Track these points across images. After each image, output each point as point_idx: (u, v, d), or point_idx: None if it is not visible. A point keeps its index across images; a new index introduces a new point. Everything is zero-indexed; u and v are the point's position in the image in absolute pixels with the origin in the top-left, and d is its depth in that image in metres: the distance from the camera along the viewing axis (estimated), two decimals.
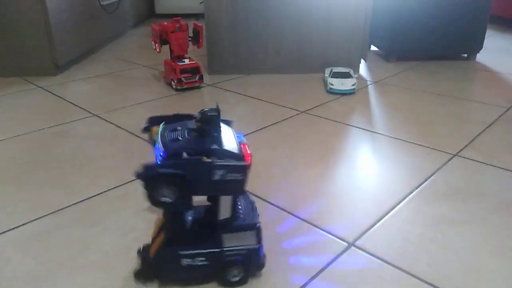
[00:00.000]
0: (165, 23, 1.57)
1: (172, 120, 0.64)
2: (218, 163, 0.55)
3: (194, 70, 1.60)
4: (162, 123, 0.63)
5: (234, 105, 1.46)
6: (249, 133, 1.22)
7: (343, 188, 0.92)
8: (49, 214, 0.84)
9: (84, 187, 0.93)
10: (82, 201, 0.88)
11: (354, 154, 1.08)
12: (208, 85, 1.69)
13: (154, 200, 0.56)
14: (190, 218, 0.65)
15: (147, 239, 0.75)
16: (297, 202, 0.87)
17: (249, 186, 0.92)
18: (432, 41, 2.00)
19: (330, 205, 0.86)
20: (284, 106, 1.44)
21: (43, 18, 1.73)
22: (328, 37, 1.78)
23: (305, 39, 1.78)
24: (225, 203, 0.61)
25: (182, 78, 1.58)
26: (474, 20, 1.98)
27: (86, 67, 2.00)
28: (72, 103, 1.49)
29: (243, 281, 0.65)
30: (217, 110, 0.59)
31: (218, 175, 0.56)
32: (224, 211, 0.61)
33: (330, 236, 0.76)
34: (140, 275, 0.65)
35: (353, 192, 0.91)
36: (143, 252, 0.64)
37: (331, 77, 1.59)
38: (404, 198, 0.88)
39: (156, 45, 1.61)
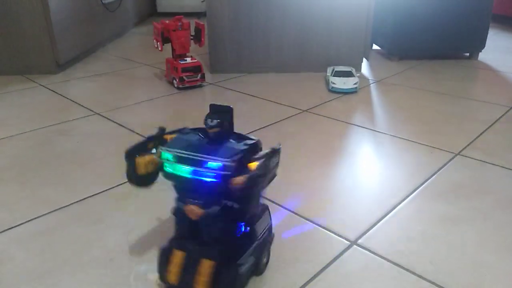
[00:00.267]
0: (167, 22, 1.58)
1: (146, 144, 0.62)
2: (275, 150, 0.59)
3: (196, 69, 1.60)
4: (160, 148, 0.58)
5: (236, 103, 1.46)
6: (251, 132, 1.22)
7: (345, 186, 0.92)
8: (52, 211, 0.84)
9: (86, 185, 0.93)
10: (84, 199, 0.88)
11: (356, 153, 1.08)
12: (210, 83, 1.69)
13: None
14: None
15: (149, 237, 0.75)
16: (299, 201, 0.87)
17: None
18: (434, 40, 2.00)
19: (332, 203, 0.86)
20: (286, 105, 1.44)
21: (45, 16, 1.73)
22: (330, 36, 1.78)
23: (307, 38, 1.78)
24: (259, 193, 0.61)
25: (184, 77, 1.58)
26: (477, 19, 1.98)
27: (88, 66, 2.00)
28: (73, 101, 1.49)
29: (268, 260, 0.67)
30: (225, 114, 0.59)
31: (274, 162, 0.59)
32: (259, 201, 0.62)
33: (332, 234, 0.76)
34: None
35: (355, 190, 0.91)
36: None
37: (333, 76, 1.59)
38: (406, 197, 0.88)
39: (158, 43, 1.61)
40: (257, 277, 0.66)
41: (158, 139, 0.63)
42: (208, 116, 0.58)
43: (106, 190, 0.92)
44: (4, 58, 1.79)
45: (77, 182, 0.95)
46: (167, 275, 0.59)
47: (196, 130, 0.61)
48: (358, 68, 1.85)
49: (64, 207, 0.85)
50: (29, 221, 0.81)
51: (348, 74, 1.59)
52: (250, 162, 0.56)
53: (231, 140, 0.58)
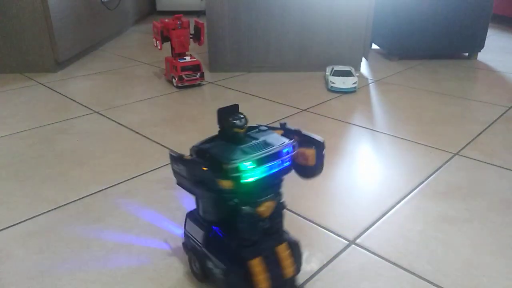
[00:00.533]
0: (167, 20, 1.57)
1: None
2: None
3: (195, 68, 1.60)
4: (236, 162, 0.52)
5: (235, 102, 1.46)
6: None
7: (344, 186, 0.93)
8: (51, 210, 0.84)
9: (85, 184, 0.93)
10: (84, 197, 0.88)
11: (355, 153, 1.08)
12: (209, 82, 1.69)
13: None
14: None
15: (149, 236, 0.76)
16: (297, 200, 0.87)
17: None
18: (433, 40, 2.00)
19: (331, 203, 0.86)
20: (285, 104, 1.44)
21: (44, 14, 1.73)
22: (329, 35, 1.78)
23: (307, 37, 1.78)
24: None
25: (183, 76, 1.58)
26: (476, 19, 1.98)
27: (87, 64, 2.00)
28: (73, 99, 1.49)
29: None
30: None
31: None
32: None
33: (331, 234, 0.77)
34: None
35: (354, 190, 0.91)
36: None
37: (333, 75, 1.59)
38: (405, 197, 0.88)
39: (157, 42, 1.61)
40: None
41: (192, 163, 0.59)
42: (233, 118, 0.56)
43: (105, 188, 0.92)
44: (3, 56, 1.79)
45: (76, 180, 0.95)
46: (261, 286, 0.56)
47: (216, 139, 0.58)
48: (358, 68, 1.85)
49: (63, 205, 0.85)
50: (28, 219, 0.81)
51: (348, 74, 1.59)
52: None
53: (255, 131, 0.59)
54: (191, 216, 0.65)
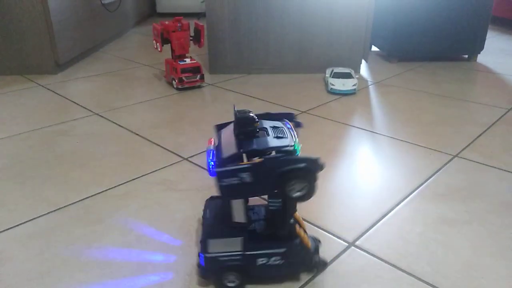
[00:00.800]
0: (167, 22, 1.58)
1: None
2: None
3: (195, 70, 1.61)
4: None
5: (235, 104, 1.46)
6: None
7: (344, 188, 0.93)
8: (51, 212, 0.84)
9: (85, 186, 0.94)
10: (83, 199, 0.88)
11: (354, 154, 1.09)
12: (209, 84, 1.70)
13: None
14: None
15: (148, 237, 0.76)
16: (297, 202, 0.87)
17: None
18: (433, 42, 2.01)
19: (331, 205, 0.86)
20: (285, 106, 1.44)
21: (45, 16, 1.73)
22: (329, 37, 1.79)
23: (307, 39, 1.79)
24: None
25: (183, 78, 1.59)
26: (475, 21, 1.98)
27: (87, 66, 2.00)
28: (73, 101, 1.49)
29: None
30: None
31: None
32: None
33: (330, 235, 0.77)
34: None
35: (354, 192, 0.91)
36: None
37: (332, 77, 1.59)
38: (404, 198, 0.88)
39: (158, 44, 1.61)
40: (256, 279, 0.66)
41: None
42: (256, 119, 0.60)
43: (105, 190, 0.92)
44: (3, 58, 1.80)
45: (76, 182, 0.95)
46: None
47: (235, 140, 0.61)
48: (357, 70, 1.85)
49: (63, 207, 0.86)
50: (28, 221, 0.81)
51: (347, 76, 1.59)
52: None
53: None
54: (212, 235, 0.63)
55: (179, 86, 1.60)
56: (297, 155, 0.58)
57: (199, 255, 0.64)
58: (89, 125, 1.28)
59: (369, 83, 1.73)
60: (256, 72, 1.85)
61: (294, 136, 0.61)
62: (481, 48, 2.06)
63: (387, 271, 0.68)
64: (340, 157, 1.07)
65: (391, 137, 1.19)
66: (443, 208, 0.85)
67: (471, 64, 2.04)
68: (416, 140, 1.17)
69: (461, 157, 1.07)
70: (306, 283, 0.65)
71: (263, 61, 1.83)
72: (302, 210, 0.84)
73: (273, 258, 0.63)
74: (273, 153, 0.58)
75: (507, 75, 1.85)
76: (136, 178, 0.97)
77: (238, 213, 0.62)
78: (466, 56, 2.13)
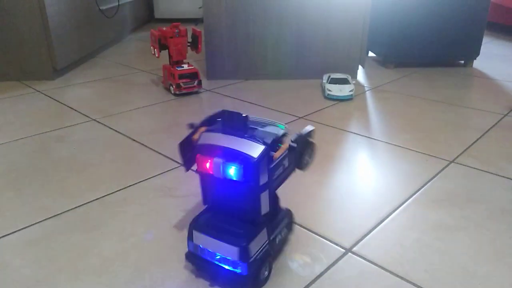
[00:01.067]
0: (164, 29, 1.58)
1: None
2: None
3: (193, 76, 1.61)
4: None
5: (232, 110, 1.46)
6: None
7: (340, 194, 0.93)
8: (48, 218, 0.84)
9: (82, 192, 0.93)
10: (80, 206, 0.88)
11: (351, 160, 1.09)
12: (207, 90, 1.70)
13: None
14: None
15: (146, 244, 0.76)
16: (294, 208, 0.87)
17: None
18: (429, 47, 2.02)
19: (327, 211, 0.87)
20: (282, 112, 1.45)
21: (42, 22, 1.74)
22: (326, 43, 1.80)
23: (304, 45, 1.80)
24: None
25: (181, 83, 1.59)
26: (471, 27, 2.00)
27: (85, 72, 2.01)
28: (70, 107, 1.50)
29: (269, 273, 0.69)
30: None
31: None
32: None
33: (327, 242, 0.77)
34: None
35: (350, 198, 0.91)
36: None
37: (329, 83, 1.60)
38: (401, 204, 0.88)
39: (155, 50, 1.62)
40: (250, 286, 0.66)
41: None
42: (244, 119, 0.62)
43: (102, 197, 0.92)
44: (1, 63, 1.80)
45: (73, 189, 0.95)
46: None
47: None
48: (354, 76, 1.86)
49: (60, 214, 0.85)
50: (24, 228, 0.81)
51: (344, 81, 1.60)
52: None
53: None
54: (248, 241, 0.61)
55: (177, 92, 1.61)
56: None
57: (235, 266, 0.61)
58: (87, 131, 1.28)
59: (366, 88, 1.73)
60: (254, 78, 1.86)
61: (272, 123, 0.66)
62: (477, 53, 2.08)
63: (384, 277, 0.68)
64: (337, 163, 1.08)
65: (387, 143, 1.19)
66: (440, 214, 0.85)
67: (467, 70, 2.05)
68: (412, 145, 1.17)
69: (457, 163, 1.07)
70: None
71: (261, 67, 1.84)
72: (299, 216, 0.84)
73: (284, 230, 0.71)
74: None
75: (503, 80, 1.87)
76: (133, 184, 0.97)
77: (265, 204, 0.62)
78: (462, 61, 2.14)
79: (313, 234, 0.79)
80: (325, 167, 1.05)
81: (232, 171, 0.58)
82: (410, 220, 0.83)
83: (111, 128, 1.30)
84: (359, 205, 0.89)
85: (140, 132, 1.27)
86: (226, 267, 0.63)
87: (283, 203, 0.89)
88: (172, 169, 1.04)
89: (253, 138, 0.59)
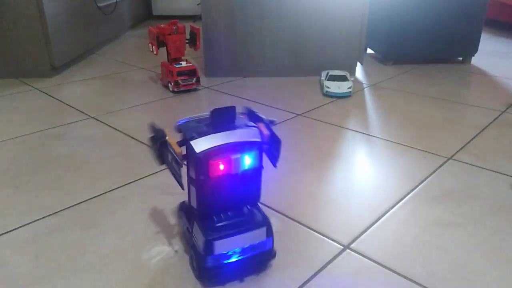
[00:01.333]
0: (162, 26, 1.58)
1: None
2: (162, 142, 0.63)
3: (191, 73, 1.61)
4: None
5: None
6: None
7: (338, 190, 0.93)
8: (46, 216, 0.84)
9: (81, 190, 0.94)
10: (79, 203, 0.88)
11: (349, 157, 1.09)
12: (205, 87, 1.70)
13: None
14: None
15: (145, 241, 0.76)
16: (292, 205, 0.88)
17: None
18: (428, 44, 2.02)
19: (325, 207, 0.87)
20: (280, 109, 1.45)
21: (40, 20, 1.73)
22: (324, 40, 1.79)
23: (302, 42, 1.79)
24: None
25: (179, 81, 1.59)
26: (470, 24, 2.00)
27: (83, 69, 2.00)
28: (68, 105, 1.49)
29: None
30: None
31: (170, 155, 0.62)
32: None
33: (325, 238, 0.77)
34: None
35: (348, 194, 0.92)
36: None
37: (328, 80, 1.60)
38: (399, 201, 0.89)
39: (153, 47, 1.62)
40: (251, 282, 0.66)
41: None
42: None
43: (100, 194, 0.92)
44: None
45: (71, 186, 0.95)
46: None
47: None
48: (353, 72, 1.86)
49: (58, 211, 0.86)
50: (23, 226, 0.81)
51: (343, 78, 1.60)
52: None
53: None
54: (266, 217, 0.67)
55: (175, 89, 1.61)
56: None
57: (264, 245, 0.65)
58: (85, 128, 1.28)
59: (364, 85, 1.73)
60: (252, 75, 1.86)
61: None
62: (475, 50, 2.08)
63: (382, 274, 0.68)
64: (335, 159, 1.08)
65: (386, 140, 1.20)
66: (437, 210, 0.86)
67: (465, 67, 2.05)
68: (410, 142, 1.18)
69: (455, 160, 1.07)
70: (301, 286, 0.66)
71: (259, 64, 1.83)
72: (297, 212, 0.84)
73: None
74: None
75: (501, 77, 1.87)
76: (132, 182, 0.97)
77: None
78: (461, 58, 2.14)
79: (311, 231, 0.79)
80: (323, 164, 1.05)
81: (248, 161, 0.61)
82: (408, 216, 0.83)
83: (110, 126, 1.30)
84: (357, 202, 0.89)
85: (138, 129, 1.27)
86: (254, 253, 0.65)
87: (283, 201, 0.90)
88: None
89: (241, 126, 0.62)
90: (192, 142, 0.59)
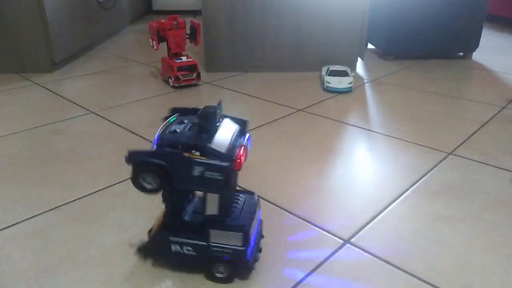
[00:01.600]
0: (163, 21, 1.58)
1: (188, 113, 0.67)
2: (198, 160, 0.57)
3: (192, 68, 1.61)
4: (175, 115, 0.66)
5: (231, 102, 1.46)
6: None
7: (339, 185, 0.93)
8: (48, 211, 0.84)
9: (82, 185, 0.94)
10: (80, 198, 0.89)
11: (350, 152, 1.09)
12: (206, 82, 1.70)
13: (137, 184, 0.61)
14: (191, 209, 0.68)
15: (146, 236, 0.76)
16: (293, 199, 0.88)
17: (246, 184, 0.93)
18: (429, 40, 2.02)
19: (326, 202, 0.87)
20: (281, 104, 1.45)
21: (40, 15, 1.73)
22: (325, 35, 1.79)
23: (303, 37, 1.79)
24: (211, 199, 0.62)
25: (180, 76, 1.59)
26: (471, 19, 1.99)
27: (83, 64, 2.00)
28: (69, 100, 1.49)
29: (228, 279, 0.66)
30: (218, 107, 0.60)
31: (197, 171, 0.57)
32: (211, 208, 0.62)
33: (326, 233, 0.77)
34: (141, 251, 0.69)
35: (349, 189, 0.92)
36: (149, 232, 0.68)
37: (328, 75, 1.60)
38: (399, 196, 0.89)
39: (154, 42, 1.61)
40: (251, 276, 0.67)
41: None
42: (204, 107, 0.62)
43: (102, 189, 0.92)
44: None
45: (72, 181, 0.95)
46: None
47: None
48: (353, 68, 1.86)
49: (59, 206, 0.86)
50: (24, 220, 0.81)
51: (343, 74, 1.60)
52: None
53: (205, 135, 0.62)
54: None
55: (176, 85, 1.60)
56: None
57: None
58: (85, 123, 1.28)
59: (365, 81, 1.73)
60: (253, 70, 1.85)
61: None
62: (476, 46, 2.07)
63: (382, 268, 0.69)
64: (336, 155, 1.08)
65: (386, 135, 1.20)
66: (437, 205, 0.86)
67: (466, 62, 2.05)
68: (411, 138, 1.18)
69: (455, 155, 1.08)
70: (302, 280, 0.66)
71: (260, 59, 1.83)
72: (298, 206, 0.85)
73: None
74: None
75: (502, 73, 1.87)
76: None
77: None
78: (462, 54, 2.14)
79: (312, 225, 0.79)
80: (323, 159, 1.06)
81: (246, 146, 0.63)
82: (408, 211, 0.84)
83: (110, 121, 1.30)
84: (358, 196, 0.89)
85: (139, 124, 1.27)
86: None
87: (283, 195, 0.90)
88: None
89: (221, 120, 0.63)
90: (209, 146, 0.58)
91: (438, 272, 0.68)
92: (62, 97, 1.53)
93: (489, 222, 0.80)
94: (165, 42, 1.61)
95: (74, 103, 1.46)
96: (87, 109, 1.40)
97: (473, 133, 1.21)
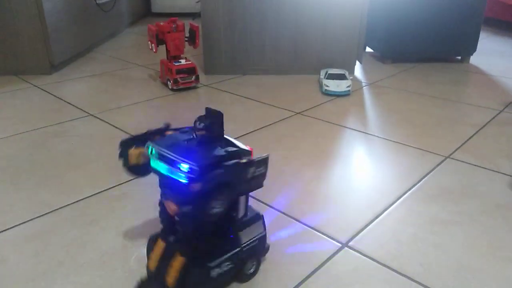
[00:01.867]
0: (162, 23, 1.58)
1: (145, 137, 0.64)
2: (250, 162, 0.57)
3: (190, 71, 1.61)
4: (148, 142, 0.61)
5: (230, 105, 1.47)
6: (244, 134, 1.23)
7: (337, 189, 0.94)
8: (46, 213, 0.84)
9: (81, 187, 0.94)
10: (79, 200, 0.89)
11: (348, 156, 1.10)
12: (204, 85, 1.70)
13: (207, 215, 0.54)
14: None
15: (144, 239, 0.76)
16: (291, 203, 0.88)
17: None
18: (427, 43, 2.02)
19: (324, 206, 0.87)
20: (279, 107, 1.45)
21: (39, 17, 1.73)
22: (324, 38, 1.80)
23: (302, 40, 1.80)
24: (242, 201, 0.63)
25: (178, 79, 1.59)
26: (468, 23, 2.00)
27: (82, 66, 2.00)
28: (68, 102, 1.49)
29: (257, 271, 0.67)
30: (217, 118, 0.60)
31: (251, 172, 0.58)
32: (242, 210, 0.63)
33: (324, 236, 0.78)
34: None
35: (347, 193, 0.92)
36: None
37: (327, 78, 1.61)
38: (397, 199, 0.89)
39: (153, 45, 1.62)
40: (248, 279, 0.67)
41: (159, 134, 0.65)
42: (197, 119, 0.60)
43: (100, 192, 0.92)
44: None
45: (71, 184, 0.95)
46: (148, 262, 0.62)
47: (192, 130, 0.63)
48: (352, 71, 1.86)
49: (58, 209, 0.86)
50: (23, 223, 0.81)
51: (341, 77, 1.60)
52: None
53: (217, 145, 0.59)
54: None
55: (174, 87, 1.61)
56: None
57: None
58: (84, 126, 1.28)
59: (363, 84, 1.74)
60: (251, 73, 1.86)
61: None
62: (474, 49, 2.08)
63: (380, 272, 0.69)
64: (334, 158, 1.08)
65: (384, 138, 1.20)
66: (435, 209, 0.86)
67: (464, 65, 2.06)
68: (409, 141, 1.18)
69: (453, 158, 1.08)
70: (299, 283, 0.66)
71: (258, 62, 1.84)
72: (296, 210, 0.85)
73: None
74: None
75: (499, 76, 1.87)
76: (132, 179, 0.97)
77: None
78: (459, 57, 2.15)
79: (310, 229, 0.80)
80: (321, 162, 1.06)
81: None
82: (406, 215, 0.84)
83: (109, 123, 1.30)
84: (356, 200, 0.89)
85: (137, 127, 1.27)
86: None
87: (281, 199, 0.90)
88: None
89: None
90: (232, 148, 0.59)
91: (436, 276, 0.68)
92: (61, 99, 1.53)
93: (487, 225, 0.81)
94: (164, 45, 1.61)
95: (73, 105, 1.46)
96: (86, 112, 1.40)
97: (471, 137, 1.21)
